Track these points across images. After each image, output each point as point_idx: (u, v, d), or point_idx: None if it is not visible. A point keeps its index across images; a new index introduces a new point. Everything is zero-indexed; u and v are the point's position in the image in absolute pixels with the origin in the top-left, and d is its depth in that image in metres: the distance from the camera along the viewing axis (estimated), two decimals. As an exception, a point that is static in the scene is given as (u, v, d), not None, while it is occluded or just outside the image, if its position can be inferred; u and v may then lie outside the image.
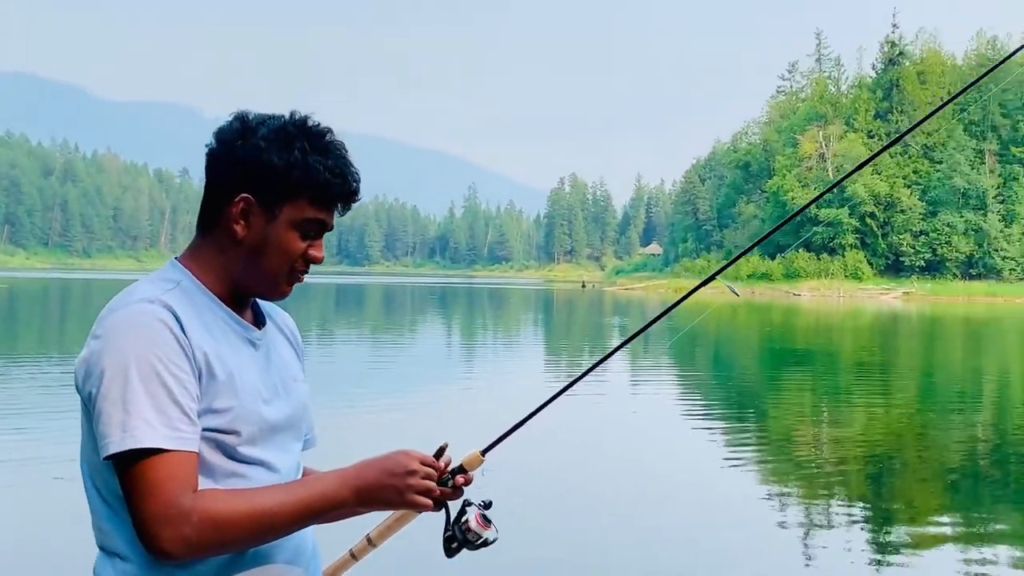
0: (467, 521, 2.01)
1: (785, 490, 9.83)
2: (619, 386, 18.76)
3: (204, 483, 1.79)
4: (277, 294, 2.01)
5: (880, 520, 8.69)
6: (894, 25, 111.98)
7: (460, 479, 2.03)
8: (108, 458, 1.73)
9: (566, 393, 2.30)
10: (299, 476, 2.03)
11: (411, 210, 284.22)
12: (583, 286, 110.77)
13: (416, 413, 14.35)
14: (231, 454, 1.85)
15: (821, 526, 8.32)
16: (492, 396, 16.86)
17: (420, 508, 1.93)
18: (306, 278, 2.03)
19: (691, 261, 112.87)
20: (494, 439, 2.16)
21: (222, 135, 1.97)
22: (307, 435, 2.15)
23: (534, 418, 2.29)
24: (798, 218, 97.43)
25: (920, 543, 7.84)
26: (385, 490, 1.88)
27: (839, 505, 9.13)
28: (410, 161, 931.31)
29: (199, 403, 1.80)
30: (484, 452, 2.11)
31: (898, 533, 8.22)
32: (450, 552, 2.04)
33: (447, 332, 36.58)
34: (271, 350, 2.03)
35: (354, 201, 2.01)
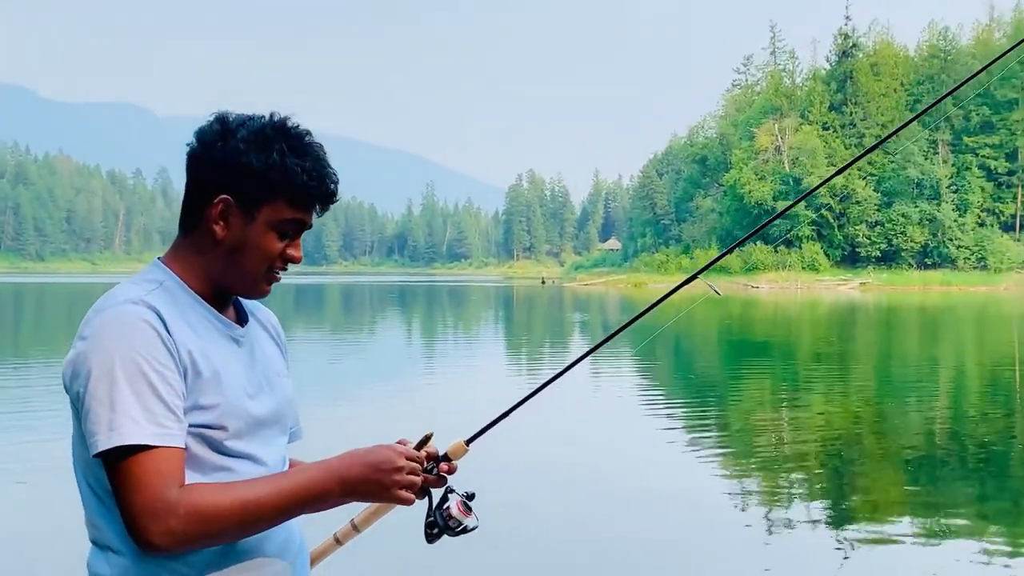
0: (448, 508, 2.05)
1: (746, 481, 9.88)
2: (578, 379, 18.78)
3: (192, 477, 1.83)
4: (256, 292, 2.05)
5: (841, 508, 8.76)
6: (847, 17, 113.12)
7: (444, 467, 2.08)
8: (97, 455, 1.77)
9: (524, 386, 2.31)
10: (285, 468, 2.06)
11: (369, 209, 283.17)
12: (543, 282, 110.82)
13: (375, 410, 14.29)
14: (218, 448, 1.89)
15: (782, 515, 8.35)
16: (458, 393, 16.82)
17: (403, 503, 1.98)
18: (295, 264, 2.05)
19: (650, 256, 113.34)
20: (477, 430, 2.22)
21: (202, 136, 1.98)
22: (293, 428, 2.18)
23: (496, 410, 2.30)
24: (756, 212, 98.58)
25: (881, 530, 7.89)
26: (370, 484, 1.92)
27: (800, 494, 9.19)
28: (367, 159, 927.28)
29: (185, 400, 1.84)
30: (468, 442, 2.17)
31: (859, 520, 8.28)
32: (431, 538, 2.08)
33: (408, 330, 36.47)
34: (255, 346, 2.07)
35: (332, 202, 2.03)
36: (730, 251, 2.82)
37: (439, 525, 2.06)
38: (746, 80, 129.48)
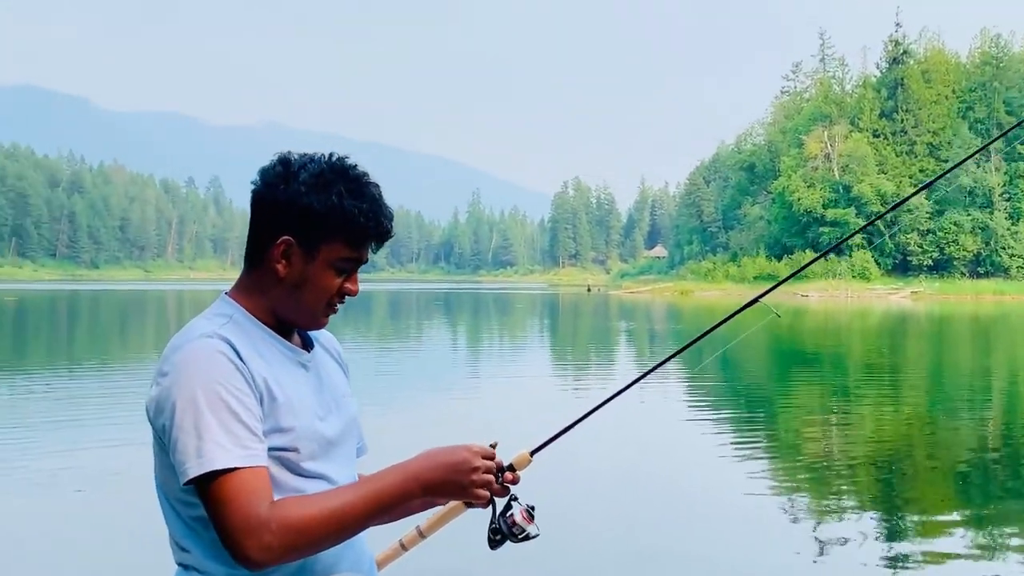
0: (512, 515, 2.13)
1: (795, 494, 9.78)
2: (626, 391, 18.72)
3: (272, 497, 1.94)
4: (316, 325, 2.17)
5: (892, 521, 8.65)
6: (897, 24, 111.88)
7: (508, 476, 2.16)
8: (188, 483, 1.87)
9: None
10: None
11: (416, 216, 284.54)
12: (588, 290, 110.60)
13: (426, 419, 14.33)
14: (295, 470, 2.00)
15: (832, 528, 8.26)
16: (507, 402, 16.82)
17: (479, 501, 2.07)
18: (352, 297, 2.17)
19: (696, 263, 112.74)
20: (543, 441, 2.33)
21: (266, 177, 2.09)
22: (358, 444, 2.30)
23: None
24: (805, 220, 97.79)
25: (933, 544, 7.79)
26: (448, 485, 2.01)
27: (850, 507, 9.09)
28: (414, 168, 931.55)
29: (263, 423, 1.95)
30: (532, 453, 2.27)
31: (910, 534, 8.17)
32: (494, 544, 2.16)
33: (455, 338, 36.55)
34: (321, 370, 2.18)
35: (387, 239, 2.17)
36: (806, 266, 2.82)
37: (503, 532, 2.13)
38: (795, 87, 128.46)
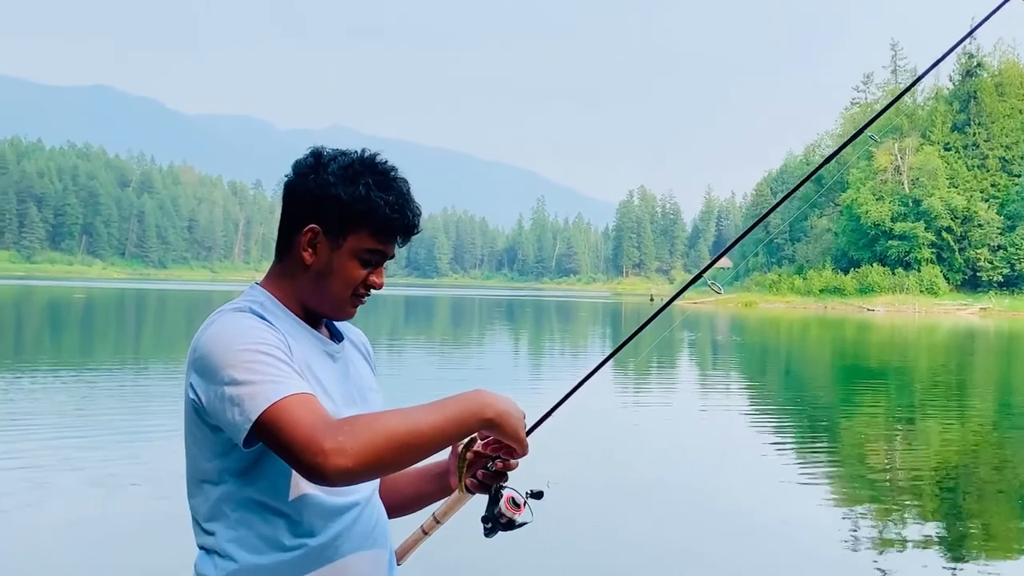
0: (499, 503, 2.16)
1: (857, 509, 9.64)
2: (688, 399, 18.61)
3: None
4: (342, 315, 2.18)
5: (955, 544, 8.49)
6: (972, 36, 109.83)
7: (499, 464, 2.18)
8: (249, 435, 1.86)
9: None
10: (377, 480, 2.21)
11: (480, 222, 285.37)
12: (651, 299, 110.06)
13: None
14: None
15: (895, 547, 8.14)
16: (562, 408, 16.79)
17: (524, 446, 2.08)
18: (377, 291, 2.16)
19: (762, 275, 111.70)
20: (528, 427, 2.23)
21: (297, 168, 2.14)
22: None
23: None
24: (873, 233, 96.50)
25: (997, 569, 7.63)
26: (513, 419, 2.01)
27: (913, 526, 8.93)
28: (479, 174, 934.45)
29: None
30: None
31: (974, 556, 8.01)
32: (487, 532, 2.18)
33: (515, 344, 36.57)
34: (348, 363, 2.21)
35: (413, 234, 2.17)
36: (712, 264, 2.85)
37: (492, 520, 2.17)
38: (866, 98, 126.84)
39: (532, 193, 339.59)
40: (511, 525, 2.17)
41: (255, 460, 1.97)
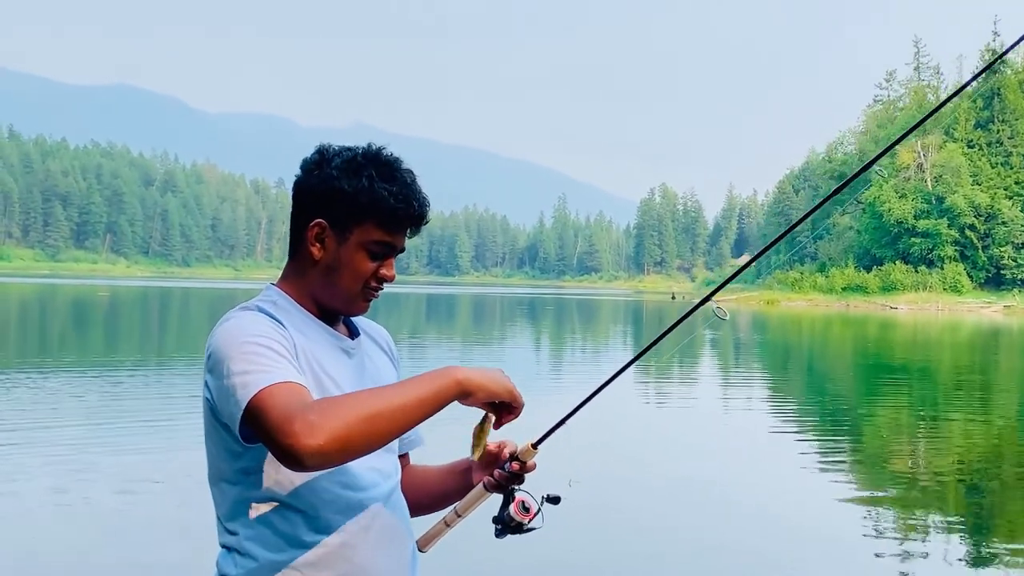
0: (508, 508, 2.20)
1: (880, 506, 9.62)
2: (709, 397, 18.58)
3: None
4: (355, 309, 2.18)
5: (979, 540, 8.46)
6: (995, 33, 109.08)
7: (515, 466, 2.22)
8: (242, 421, 1.87)
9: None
10: (396, 476, 2.21)
11: (501, 220, 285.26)
12: (672, 297, 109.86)
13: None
14: None
15: (918, 544, 8.12)
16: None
17: (517, 401, 2.08)
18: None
19: (783, 273, 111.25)
20: (544, 432, 2.30)
21: (304, 166, 2.16)
22: (409, 437, 2.35)
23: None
24: (896, 230, 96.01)
25: (1019, 564, 7.60)
26: (488, 382, 2.00)
27: (936, 523, 8.91)
28: (500, 171, 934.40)
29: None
30: (535, 444, 2.28)
31: (997, 554, 7.98)
32: (497, 533, 2.22)
33: (536, 341, 36.58)
34: (365, 359, 2.21)
35: (422, 224, 2.17)
36: (736, 274, 2.80)
37: (502, 523, 2.20)
38: (888, 96, 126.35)
39: (554, 191, 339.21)
40: (520, 529, 2.20)
41: (268, 458, 1.98)
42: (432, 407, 1.92)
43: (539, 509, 2.21)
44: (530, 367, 25.42)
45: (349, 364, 2.15)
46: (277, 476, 2.00)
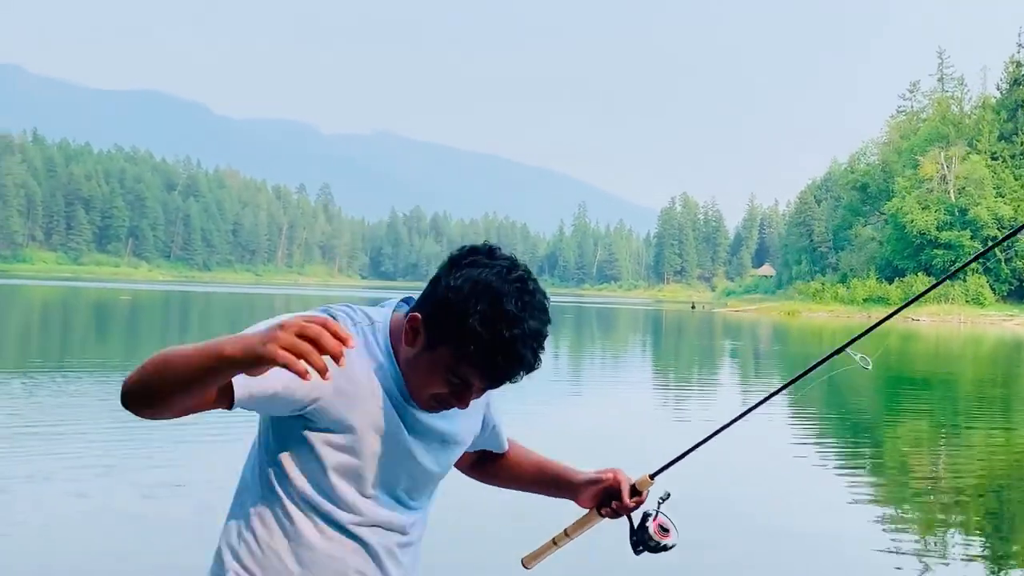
0: (647, 529, 2.37)
1: (899, 524, 9.55)
2: (728, 408, 18.51)
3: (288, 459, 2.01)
4: (423, 405, 2.05)
5: (1002, 557, 8.38)
6: (1020, 45, 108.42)
7: (635, 501, 2.38)
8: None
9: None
10: (414, 536, 2.18)
11: (521, 228, 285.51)
12: (692, 307, 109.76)
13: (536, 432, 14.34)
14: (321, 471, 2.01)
15: (939, 560, 8.05)
16: (606, 419, 16.75)
17: (269, 357, 1.68)
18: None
19: (805, 284, 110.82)
20: (664, 464, 2.53)
21: (452, 255, 2.01)
22: (482, 442, 2.37)
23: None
24: (918, 242, 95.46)
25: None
26: (251, 338, 1.73)
27: (958, 539, 8.84)
28: (520, 179, 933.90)
29: (310, 404, 1.94)
30: (653, 476, 2.45)
31: (1020, 572, 7.91)
32: (636, 551, 2.40)
33: (555, 351, 36.54)
34: (424, 429, 2.09)
35: (511, 381, 2.00)
36: (932, 288, 2.83)
37: (642, 543, 2.38)
38: (912, 107, 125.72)
39: (574, 199, 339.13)
40: (660, 548, 2.38)
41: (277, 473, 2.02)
42: (215, 368, 1.75)
43: (673, 526, 2.41)
44: (548, 377, 25.41)
45: (398, 413, 2.04)
46: (285, 481, 2.01)
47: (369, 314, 2.05)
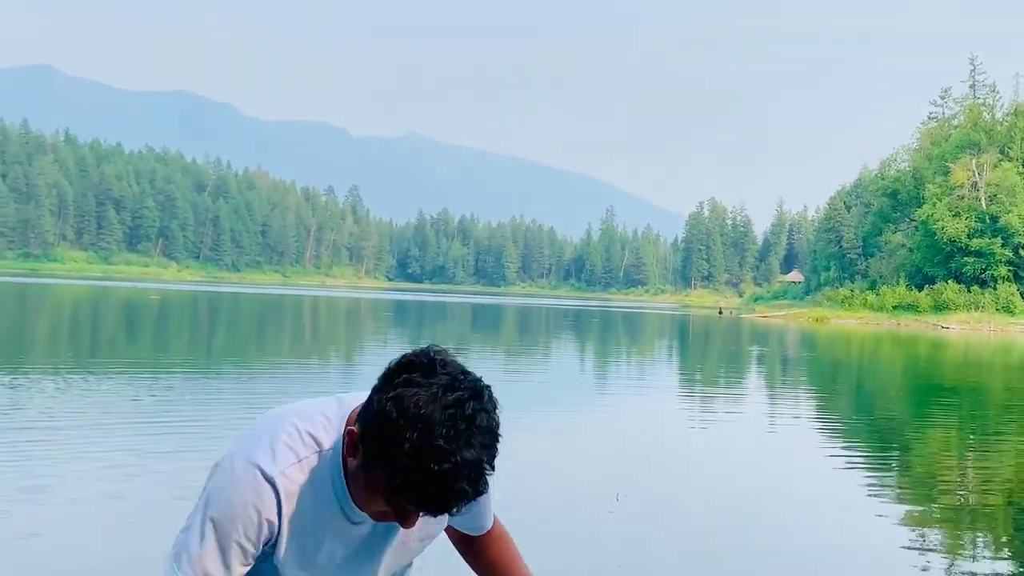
0: None
1: (927, 527, 9.49)
2: (756, 413, 18.44)
3: None
4: (372, 517, 2.02)
5: (1030, 566, 8.30)
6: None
7: None
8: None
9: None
10: None
11: (548, 232, 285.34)
12: (719, 312, 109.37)
13: (554, 443, 14.35)
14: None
15: (966, 570, 7.99)
16: (630, 425, 16.73)
17: None
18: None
19: (833, 290, 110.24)
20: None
21: (389, 371, 1.86)
22: (470, 522, 2.34)
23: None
24: (948, 249, 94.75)
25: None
26: None
27: (985, 549, 8.76)
28: (548, 183, 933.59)
29: (256, 550, 1.98)
30: None
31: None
32: None
33: (581, 355, 36.52)
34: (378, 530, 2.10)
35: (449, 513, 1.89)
36: None
37: None
38: (943, 113, 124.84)
39: (601, 203, 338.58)
40: None
41: None
42: None
43: None
44: (573, 385, 25.38)
45: (353, 530, 2.04)
46: None
47: (318, 439, 1.97)
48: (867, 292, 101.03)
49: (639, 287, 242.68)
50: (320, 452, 1.95)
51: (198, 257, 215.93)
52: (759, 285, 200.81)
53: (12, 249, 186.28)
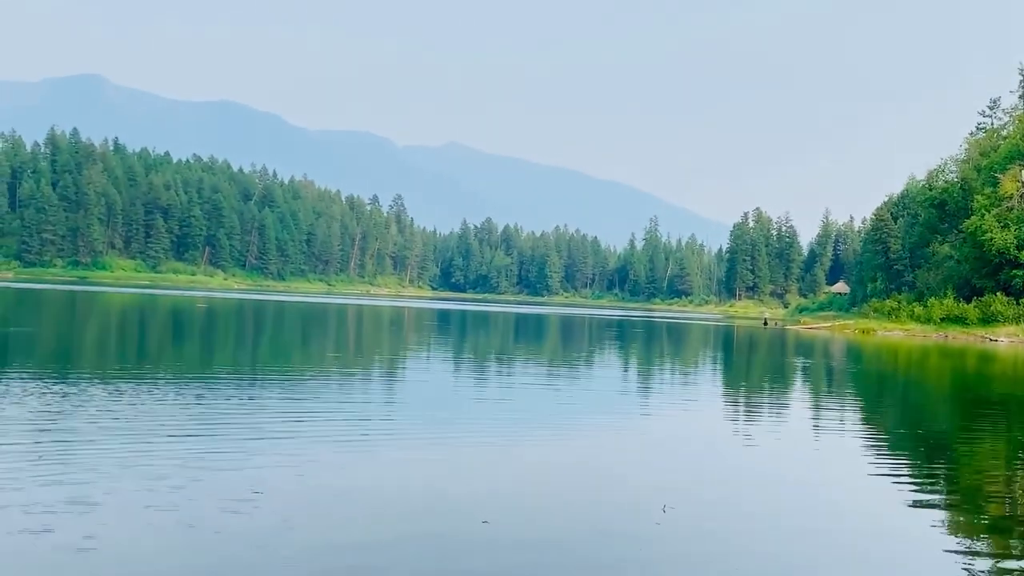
0: None
1: (975, 544, 9.39)
2: (801, 426, 18.32)
3: None
4: None
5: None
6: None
7: None
8: None
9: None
10: None
11: (592, 241, 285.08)
12: (764, 323, 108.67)
13: (597, 452, 14.34)
14: None
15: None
16: (672, 434, 16.68)
17: None
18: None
19: (880, 301, 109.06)
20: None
21: None
22: None
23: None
24: (997, 261, 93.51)
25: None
26: None
27: (1034, 563, 8.66)
28: (592, 193, 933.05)
29: None
30: None
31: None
32: None
33: (625, 366, 36.41)
34: None
35: None
36: None
37: None
38: (992, 124, 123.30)
39: (645, 213, 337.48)
40: None
41: None
42: None
43: None
44: (617, 394, 25.30)
45: None
46: None
47: None
48: (914, 304, 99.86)
49: (683, 297, 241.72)
50: None
51: (244, 265, 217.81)
52: (804, 296, 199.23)
53: (62, 257, 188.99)
